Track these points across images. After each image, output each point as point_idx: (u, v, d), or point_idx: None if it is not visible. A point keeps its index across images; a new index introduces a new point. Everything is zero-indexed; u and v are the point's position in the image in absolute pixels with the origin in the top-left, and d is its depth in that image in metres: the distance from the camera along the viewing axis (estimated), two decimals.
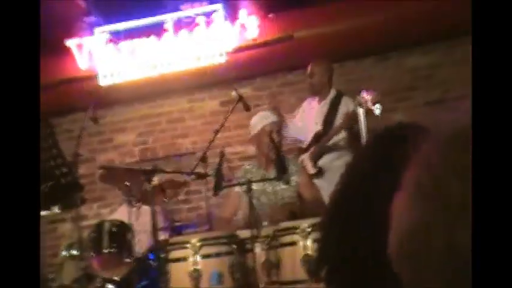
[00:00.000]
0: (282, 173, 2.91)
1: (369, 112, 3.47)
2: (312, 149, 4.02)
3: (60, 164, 2.79)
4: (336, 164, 3.88)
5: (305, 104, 4.30)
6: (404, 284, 0.52)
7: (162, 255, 2.90)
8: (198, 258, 2.73)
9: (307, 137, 4.13)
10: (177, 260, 2.81)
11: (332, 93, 4.15)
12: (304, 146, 4.12)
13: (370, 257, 0.88)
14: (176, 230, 3.69)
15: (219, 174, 2.97)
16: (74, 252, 3.44)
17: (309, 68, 4.14)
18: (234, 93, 3.83)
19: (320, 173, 3.90)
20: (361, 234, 0.90)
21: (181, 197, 4.78)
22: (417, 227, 0.50)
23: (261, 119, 3.45)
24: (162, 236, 3.35)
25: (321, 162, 3.96)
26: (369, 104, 3.48)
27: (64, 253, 3.60)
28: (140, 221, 3.60)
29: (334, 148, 3.96)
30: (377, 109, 3.46)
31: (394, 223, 0.54)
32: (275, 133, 3.29)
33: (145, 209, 3.54)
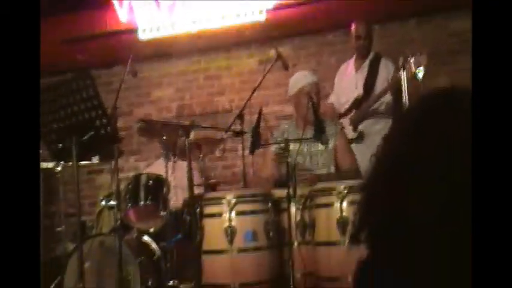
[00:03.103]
0: (320, 133, 2.87)
1: (411, 76, 3.39)
2: (352, 113, 3.95)
3: (100, 114, 2.79)
4: (375, 128, 3.82)
5: (342, 67, 4.21)
6: None
7: (197, 210, 2.93)
8: (233, 214, 2.75)
9: (346, 100, 4.05)
10: (212, 215, 2.83)
11: (371, 55, 4.03)
12: (342, 110, 4.06)
13: (412, 220, 0.87)
14: (211, 187, 3.73)
15: (256, 133, 2.96)
16: (112, 202, 3.52)
17: (354, 29, 4.01)
18: (272, 51, 3.77)
19: (361, 137, 3.85)
20: (405, 197, 0.89)
21: (217, 154, 4.82)
22: None
23: (299, 79, 3.39)
24: (197, 191, 3.39)
25: (361, 126, 3.90)
26: (412, 67, 3.39)
27: (103, 203, 3.70)
28: (176, 175, 3.65)
29: (375, 113, 3.89)
30: (420, 72, 3.38)
31: None
32: (314, 94, 3.23)
33: (181, 164, 3.57)
